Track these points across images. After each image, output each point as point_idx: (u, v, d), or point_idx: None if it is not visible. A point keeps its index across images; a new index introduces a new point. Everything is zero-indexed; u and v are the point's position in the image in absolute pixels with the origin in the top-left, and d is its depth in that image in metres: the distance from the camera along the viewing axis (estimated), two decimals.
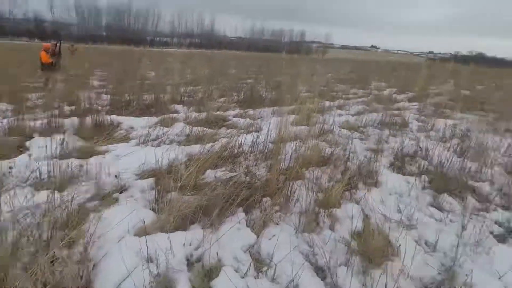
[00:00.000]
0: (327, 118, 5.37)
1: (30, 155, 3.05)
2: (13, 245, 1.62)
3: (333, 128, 4.83)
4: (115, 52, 22.59)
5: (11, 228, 1.70)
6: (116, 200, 2.42)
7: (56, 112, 4.80)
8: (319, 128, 4.69)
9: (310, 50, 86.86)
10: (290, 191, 2.57)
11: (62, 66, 8.81)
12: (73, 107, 5.31)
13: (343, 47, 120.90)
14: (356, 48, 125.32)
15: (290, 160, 3.18)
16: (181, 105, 6.27)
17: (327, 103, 7.43)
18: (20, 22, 63.00)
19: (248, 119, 5.33)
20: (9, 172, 2.57)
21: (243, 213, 2.33)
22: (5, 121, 4.09)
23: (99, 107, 5.54)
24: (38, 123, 4.20)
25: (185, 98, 6.90)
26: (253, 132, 4.34)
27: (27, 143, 3.49)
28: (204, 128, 4.39)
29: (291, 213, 2.41)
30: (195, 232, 2.03)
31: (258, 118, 5.55)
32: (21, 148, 3.39)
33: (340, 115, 6.33)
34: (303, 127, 4.90)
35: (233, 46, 76.19)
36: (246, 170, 2.98)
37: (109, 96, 6.45)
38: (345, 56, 56.63)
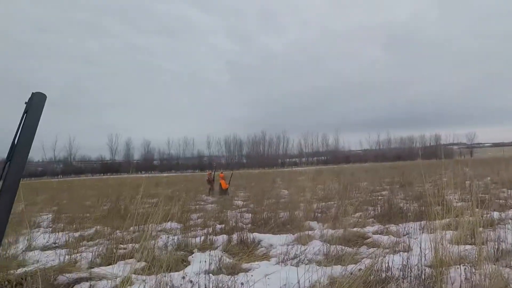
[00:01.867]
0: (502, 233, 4.19)
1: (188, 271, 3.51)
2: None
3: None
4: (253, 175, 26.06)
5: None
6: None
7: (210, 230, 5.61)
8: (493, 248, 3.65)
9: (450, 153, 76.84)
10: None
11: (216, 190, 10.78)
12: (223, 225, 6.10)
13: (495, 145, 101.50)
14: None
15: None
16: (316, 222, 6.26)
17: (495, 214, 5.92)
18: (188, 158, 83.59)
19: (391, 236, 4.74)
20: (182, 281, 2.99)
21: None
22: (176, 237, 5.02)
23: (243, 225, 6.15)
24: (197, 239, 4.96)
25: (319, 214, 6.91)
26: (400, 252, 3.76)
27: (189, 258, 4.09)
28: (343, 247, 4.13)
29: None
30: None
31: (403, 235, 4.86)
32: (184, 262, 3.98)
33: None
34: (467, 246, 3.94)
35: (360, 159, 75.89)
36: None
37: (250, 214, 7.17)
38: (499, 154, 46.74)
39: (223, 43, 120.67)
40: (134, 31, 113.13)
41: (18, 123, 1.23)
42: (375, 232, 5.15)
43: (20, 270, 3.52)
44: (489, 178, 12.99)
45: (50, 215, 8.78)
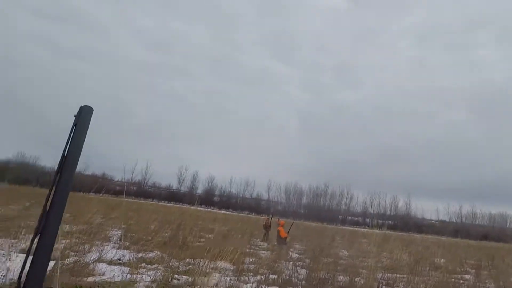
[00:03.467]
0: None
1: None
2: None
3: None
4: (311, 228, 24.75)
5: None
6: None
7: (263, 278, 5.37)
8: None
9: None
10: None
11: (270, 237, 10.48)
12: (275, 276, 5.80)
13: None
14: None
15: None
16: None
17: None
18: (246, 199, 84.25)
19: None
20: None
21: None
22: (228, 279, 4.93)
23: (297, 280, 5.75)
24: (248, 286, 4.78)
25: (383, 286, 6.10)
26: None
27: None
28: None
29: None
30: None
31: None
32: None
33: None
34: None
35: (435, 231, 66.38)
36: None
37: (305, 270, 6.70)
38: None
39: (297, 92, 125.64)
40: (216, 77, 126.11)
41: (68, 136, 1.24)
42: None
43: (90, 279, 3.83)
44: None
45: (120, 232, 9.56)
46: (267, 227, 13.18)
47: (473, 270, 10.00)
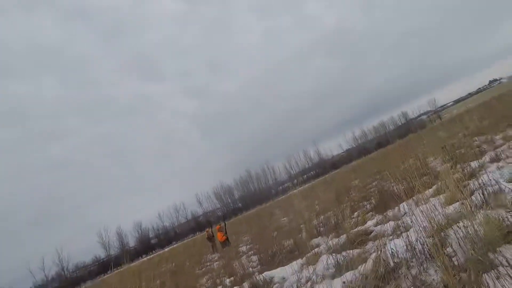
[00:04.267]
0: (484, 179, 4.32)
1: None
2: None
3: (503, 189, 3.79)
4: (251, 216, 25.46)
5: None
6: None
7: (221, 287, 5.32)
8: (479, 195, 3.75)
9: (422, 124, 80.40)
10: None
11: (218, 246, 10.36)
12: (232, 278, 5.82)
13: (456, 102, 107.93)
14: (470, 94, 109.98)
15: (465, 250, 2.51)
16: (320, 237, 6.15)
17: (473, 164, 6.14)
18: (184, 224, 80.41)
19: (391, 222, 4.74)
20: None
21: None
22: None
23: (252, 269, 5.90)
24: None
25: (321, 228, 6.81)
26: (402, 234, 3.75)
27: None
28: (349, 251, 4.06)
29: None
30: None
31: (402, 216, 4.87)
32: None
33: (500, 168, 5.04)
34: (458, 202, 4.01)
35: (346, 160, 76.99)
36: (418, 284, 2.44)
37: (257, 256, 6.91)
38: (464, 109, 49.50)
39: (183, 103, 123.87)
40: (92, 122, 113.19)
41: None
42: (376, 224, 5.14)
43: None
44: (460, 134, 13.60)
45: None
46: (210, 238, 12.96)
47: (378, 176, 12.07)
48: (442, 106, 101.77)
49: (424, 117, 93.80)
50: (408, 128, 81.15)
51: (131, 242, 74.64)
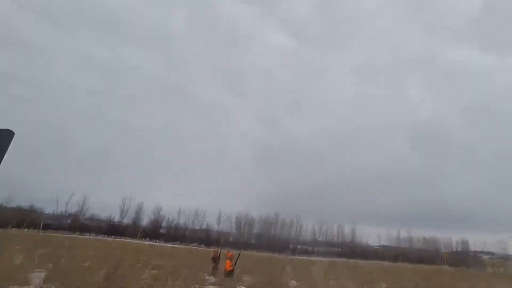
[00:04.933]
0: None
1: None
2: None
3: None
4: (262, 259, 24.32)
5: None
6: None
7: None
8: None
9: (481, 263, 69.78)
10: None
11: (220, 270, 10.01)
12: None
13: None
14: None
15: None
16: None
17: None
18: (196, 231, 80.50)
19: None
20: None
21: None
22: None
23: None
24: None
25: None
26: None
27: None
28: None
29: None
30: None
31: None
32: None
33: None
34: None
35: (378, 256, 69.99)
36: None
37: None
38: None
39: (250, 125, 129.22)
40: (168, 107, 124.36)
41: None
42: None
43: None
44: None
45: (43, 274, 8.31)
46: (215, 259, 12.58)
47: None
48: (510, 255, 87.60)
49: (485, 256, 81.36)
50: (462, 260, 71.01)
51: (144, 221, 77.20)
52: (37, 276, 7.77)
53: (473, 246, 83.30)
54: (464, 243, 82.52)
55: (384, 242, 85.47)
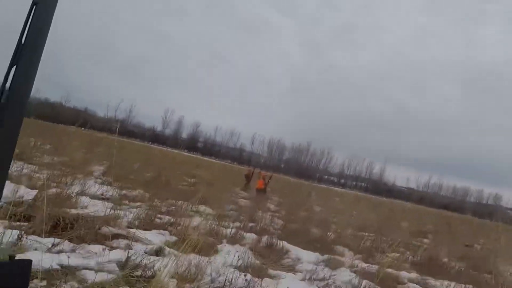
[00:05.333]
0: None
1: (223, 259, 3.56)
2: None
3: None
4: (290, 183, 25.79)
5: None
6: None
7: (242, 225, 5.66)
8: None
9: (508, 219, 68.41)
10: None
11: (251, 188, 10.85)
12: (253, 224, 6.12)
13: None
14: None
15: None
16: (347, 249, 5.98)
17: None
18: (230, 149, 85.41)
19: None
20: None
21: None
22: (208, 223, 5.15)
23: (273, 229, 6.11)
24: (228, 231, 5.04)
25: (351, 242, 6.59)
26: None
27: (219, 246, 4.16)
28: (375, 285, 3.88)
29: None
30: None
31: None
32: (214, 249, 4.06)
33: None
34: None
35: (403, 196, 70.96)
36: None
37: (281, 221, 7.09)
38: None
39: (293, 47, 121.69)
40: (210, 19, 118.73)
41: (25, 19, 0.86)
42: (411, 280, 4.75)
43: (73, 211, 3.88)
44: None
45: (102, 168, 9.58)
46: (248, 177, 13.56)
47: (431, 236, 10.94)
48: None
49: None
50: (489, 213, 70.01)
51: (184, 134, 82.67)
52: (98, 170, 8.99)
53: (506, 203, 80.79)
54: (497, 197, 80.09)
55: (412, 184, 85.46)
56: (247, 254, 3.89)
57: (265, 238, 5.00)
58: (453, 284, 4.95)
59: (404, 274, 5.03)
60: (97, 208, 4.58)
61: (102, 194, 5.99)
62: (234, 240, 4.68)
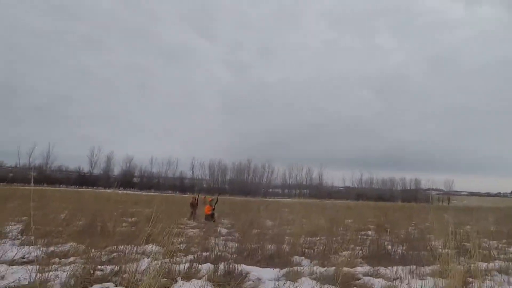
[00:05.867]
0: (490, 285, 4.17)
1: None
2: None
3: None
4: (237, 203, 25.57)
5: None
6: None
7: (195, 257, 5.33)
8: None
9: (429, 198, 78.88)
10: None
11: (198, 215, 10.42)
12: (207, 253, 5.83)
13: (471, 194, 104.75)
14: (488, 194, 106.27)
15: None
16: (303, 257, 6.08)
17: (480, 264, 5.92)
18: (170, 178, 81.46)
19: (382, 280, 4.62)
20: None
21: None
22: (158, 262, 4.71)
23: (228, 254, 5.89)
24: (181, 266, 4.68)
25: (306, 249, 6.74)
26: None
27: (174, 286, 3.82)
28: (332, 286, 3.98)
29: None
30: None
31: (394, 279, 4.75)
32: None
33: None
34: None
35: (342, 196, 76.32)
36: None
37: (235, 243, 6.91)
38: (474, 204, 48.11)
39: (220, 70, 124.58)
40: (130, 50, 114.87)
41: None
42: (365, 274, 5.02)
43: None
44: (468, 226, 13.21)
45: (19, 226, 8.18)
46: (194, 205, 13.04)
47: (373, 227, 11.87)
48: (455, 191, 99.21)
49: (433, 193, 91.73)
50: (414, 196, 79.76)
51: (116, 171, 76.26)
52: (14, 229, 7.64)
53: (424, 185, 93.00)
54: (417, 182, 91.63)
55: (348, 183, 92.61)
56: (206, 286, 3.65)
57: (221, 266, 4.78)
58: (400, 267, 5.40)
59: (358, 269, 5.30)
60: (18, 275, 3.84)
61: (23, 258, 5.07)
62: (189, 275, 4.36)
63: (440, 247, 7.89)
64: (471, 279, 4.77)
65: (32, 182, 5.73)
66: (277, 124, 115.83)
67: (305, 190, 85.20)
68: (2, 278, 3.87)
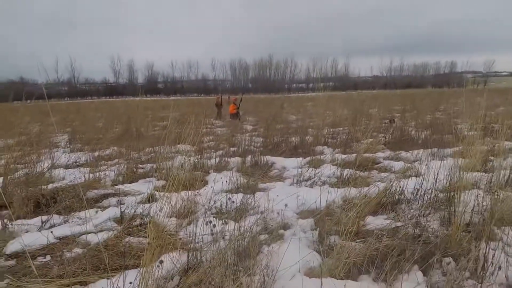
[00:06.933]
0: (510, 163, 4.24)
1: (212, 188, 3.69)
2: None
3: None
4: (260, 100, 25.81)
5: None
6: (281, 236, 2.57)
7: (224, 152, 5.77)
8: (505, 176, 3.72)
9: (463, 82, 74.28)
10: (484, 256, 2.06)
11: (224, 115, 10.78)
12: (235, 148, 6.26)
13: None
14: None
15: (472, 214, 2.62)
16: (326, 147, 6.36)
17: (506, 144, 5.92)
18: (192, 82, 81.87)
19: (402, 162, 4.84)
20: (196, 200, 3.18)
21: (421, 273, 2.01)
22: (191, 158, 5.19)
23: (255, 148, 6.30)
24: (212, 161, 5.14)
25: (329, 139, 6.99)
26: (411, 177, 3.87)
27: (207, 177, 4.29)
28: (355, 171, 4.24)
29: (490, 284, 1.91)
30: (368, 285, 1.88)
31: (414, 161, 4.95)
32: (202, 181, 4.18)
33: None
34: (478, 173, 4.02)
35: (370, 86, 73.81)
36: (414, 221, 2.63)
37: (261, 138, 7.28)
38: None
39: None
40: None
41: None
42: (386, 158, 5.25)
43: (51, 186, 3.74)
44: (502, 108, 12.71)
45: (66, 136, 9.04)
46: (218, 105, 13.37)
47: (399, 114, 11.77)
48: (495, 72, 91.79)
49: (469, 75, 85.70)
50: (446, 81, 75.27)
51: (140, 79, 77.30)
52: (61, 139, 8.47)
53: (461, 68, 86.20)
54: (453, 65, 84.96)
55: (375, 72, 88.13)
56: (235, 176, 4.04)
57: (249, 158, 5.17)
58: (422, 151, 5.55)
59: (379, 154, 5.53)
60: (75, 176, 4.44)
61: (75, 162, 5.76)
62: (219, 167, 4.82)
63: (466, 129, 7.85)
64: (492, 157, 4.85)
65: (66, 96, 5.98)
66: (300, 14, 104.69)
67: (330, 83, 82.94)
68: (63, 178, 4.52)
